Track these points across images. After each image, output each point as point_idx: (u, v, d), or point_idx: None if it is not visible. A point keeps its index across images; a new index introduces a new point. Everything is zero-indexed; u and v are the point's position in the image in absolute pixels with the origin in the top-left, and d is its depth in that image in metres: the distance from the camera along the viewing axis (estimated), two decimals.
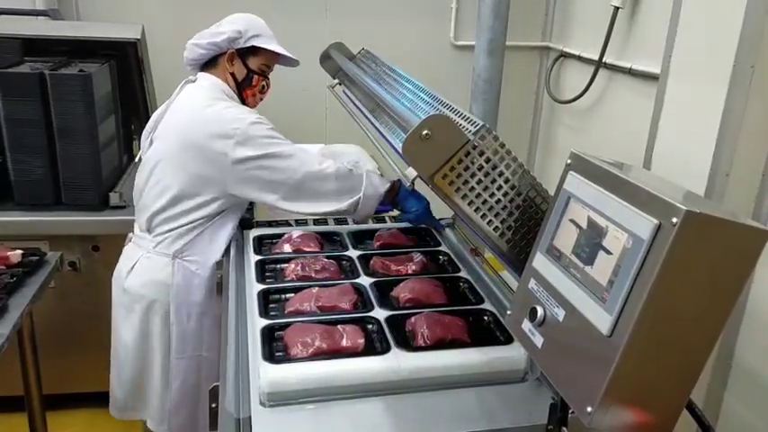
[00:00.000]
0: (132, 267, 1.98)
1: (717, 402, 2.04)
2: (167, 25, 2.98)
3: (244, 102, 2.05)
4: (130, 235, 2.11)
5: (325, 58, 2.03)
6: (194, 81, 2.03)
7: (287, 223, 2.20)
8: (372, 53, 2.00)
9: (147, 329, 1.99)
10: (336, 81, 2.05)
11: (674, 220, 0.83)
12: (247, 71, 2.03)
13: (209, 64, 2.03)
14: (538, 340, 1.05)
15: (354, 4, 3.32)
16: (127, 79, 2.77)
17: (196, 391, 1.99)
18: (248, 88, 2.05)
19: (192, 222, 1.93)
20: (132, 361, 2.02)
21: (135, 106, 2.86)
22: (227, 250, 1.96)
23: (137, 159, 2.15)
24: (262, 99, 2.11)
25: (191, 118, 1.91)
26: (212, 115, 1.87)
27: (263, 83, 2.07)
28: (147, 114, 2.77)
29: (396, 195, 1.99)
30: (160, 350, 1.99)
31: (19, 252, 2.09)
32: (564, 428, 1.18)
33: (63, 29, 2.77)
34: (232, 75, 2.01)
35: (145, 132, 2.09)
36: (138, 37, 2.61)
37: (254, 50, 2.00)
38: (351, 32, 2.92)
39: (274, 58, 2.05)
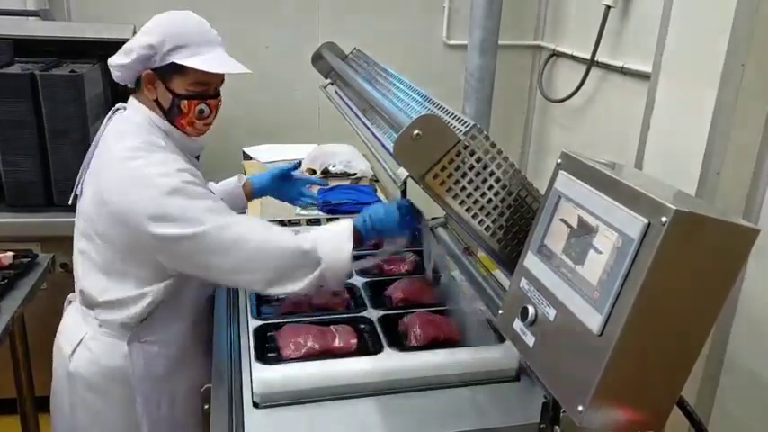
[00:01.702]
0: (76, 347, 1.59)
1: (709, 399, 2.06)
2: None
3: (182, 131, 1.57)
4: (71, 296, 1.72)
5: (317, 58, 2.02)
6: (122, 110, 1.59)
7: (281, 223, 2.20)
8: (364, 53, 2.00)
9: (105, 423, 1.62)
10: (328, 81, 2.04)
11: (664, 219, 0.83)
12: (173, 96, 1.50)
13: (136, 85, 1.56)
14: (529, 339, 1.05)
15: (347, 4, 3.31)
16: None
17: None
18: (180, 117, 1.53)
19: (139, 297, 1.52)
20: None
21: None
22: (210, 298, 1.69)
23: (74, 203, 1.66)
24: (208, 125, 1.59)
25: (107, 173, 1.47)
26: (127, 173, 1.44)
27: (201, 106, 1.53)
28: None
29: (359, 234, 1.52)
30: None
31: (10, 254, 2.08)
32: (556, 427, 1.19)
33: (54, 29, 2.76)
34: (156, 102, 1.53)
35: (80, 173, 1.62)
36: (130, 37, 2.58)
37: (178, 68, 1.47)
38: (343, 32, 2.93)
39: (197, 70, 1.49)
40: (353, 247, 1.46)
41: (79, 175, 1.60)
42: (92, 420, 1.62)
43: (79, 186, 1.59)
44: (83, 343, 1.58)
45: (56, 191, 2.47)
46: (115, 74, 1.55)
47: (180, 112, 1.52)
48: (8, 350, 2.10)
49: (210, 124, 1.59)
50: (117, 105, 1.61)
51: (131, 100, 1.57)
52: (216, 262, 1.41)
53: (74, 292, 1.68)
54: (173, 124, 1.55)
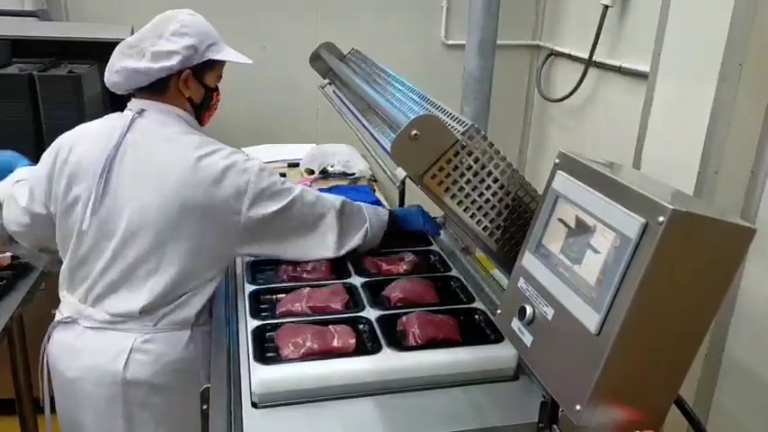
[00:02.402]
0: (128, 357, 1.55)
1: (707, 398, 2.06)
2: None
3: (201, 123, 1.71)
4: (60, 316, 1.64)
5: (316, 59, 2.03)
6: (141, 113, 1.59)
7: None
8: (362, 53, 2.00)
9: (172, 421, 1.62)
10: (327, 81, 2.04)
11: (661, 218, 0.84)
12: (206, 90, 1.64)
13: (150, 88, 1.58)
14: (527, 339, 1.05)
15: (345, 4, 3.32)
16: None
17: None
18: (208, 110, 1.68)
19: (203, 289, 1.61)
20: None
21: (125, 107, 2.84)
22: None
23: (77, 220, 1.58)
24: (213, 114, 1.74)
25: (181, 174, 1.50)
26: (211, 169, 1.51)
27: (219, 96, 1.71)
28: None
29: (395, 221, 1.82)
30: None
31: (8, 255, 2.07)
32: (555, 426, 1.19)
33: (52, 30, 2.76)
34: (189, 99, 1.62)
35: (63, 180, 1.57)
36: (127, 37, 2.59)
37: (211, 64, 1.61)
38: (341, 32, 2.92)
39: (223, 62, 1.65)
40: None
41: (97, 185, 1.52)
42: (156, 423, 1.61)
43: (98, 195, 1.52)
44: (134, 350, 1.55)
45: None
46: (135, 79, 1.55)
47: (209, 104, 1.67)
48: (6, 351, 2.11)
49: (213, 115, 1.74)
50: (131, 111, 1.59)
51: (148, 103, 1.59)
52: (297, 229, 1.62)
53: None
54: (199, 118, 1.67)
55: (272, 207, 1.56)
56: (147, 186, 1.51)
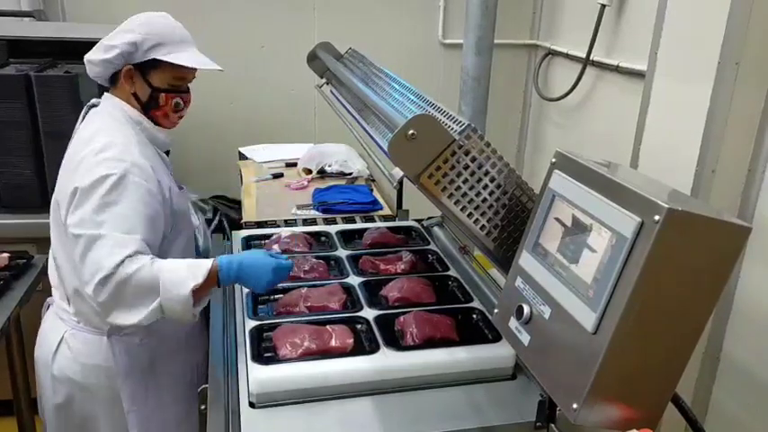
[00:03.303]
0: (57, 348, 1.61)
1: (705, 396, 2.06)
2: None
3: (156, 123, 1.67)
4: (50, 299, 1.74)
5: (313, 58, 2.02)
6: (96, 105, 1.68)
7: (275, 224, 2.20)
8: (360, 53, 2.00)
9: (88, 424, 1.66)
10: (324, 81, 2.04)
11: (656, 217, 0.84)
12: (151, 90, 1.63)
13: (113, 80, 1.64)
14: (524, 338, 1.05)
15: (342, 3, 3.31)
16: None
17: None
18: (155, 110, 1.65)
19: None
20: None
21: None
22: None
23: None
24: (181, 117, 1.70)
25: (69, 162, 1.58)
26: (75, 157, 1.55)
27: (176, 99, 1.65)
28: None
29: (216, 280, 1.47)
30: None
31: (6, 255, 2.08)
32: (552, 425, 1.19)
33: (49, 30, 2.76)
34: (134, 95, 1.63)
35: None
36: None
37: (157, 63, 1.60)
38: (339, 31, 2.93)
39: (187, 68, 1.62)
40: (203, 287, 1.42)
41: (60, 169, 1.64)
42: (81, 423, 1.65)
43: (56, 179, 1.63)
44: (63, 341, 1.61)
45: (51, 191, 2.45)
46: (93, 69, 1.63)
47: (157, 104, 1.65)
48: (4, 351, 2.10)
49: (183, 117, 1.71)
50: (92, 101, 1.70)
51: (106, 95, 1.67)
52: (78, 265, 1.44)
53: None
54: (148, 116, 1.66)
55: (69, 222, 1.46)
56: (63, 173, 1.60)
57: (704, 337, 2.01)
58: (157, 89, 1.63)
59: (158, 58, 1.59)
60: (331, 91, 1.96)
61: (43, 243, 2.43)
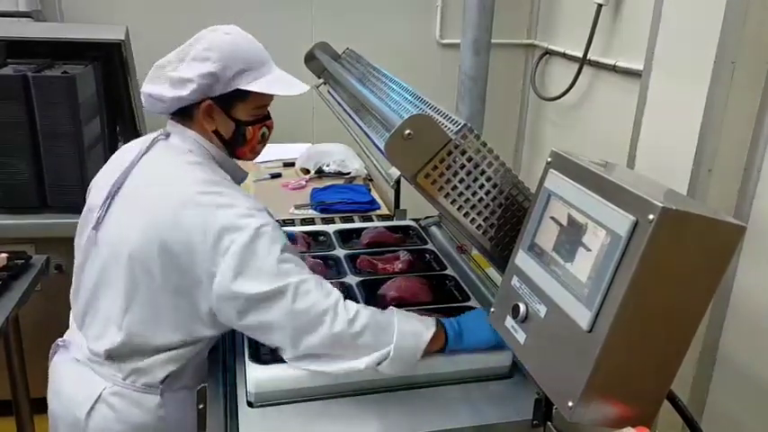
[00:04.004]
0: (93, 405, 1.38)
1: (702, 395, 2.07)
2: (151, 26, 2.97)
3: (238, 158, 1.48)
4: (60, 341, 1.51)
5: (310, 58, 2.03)
6: (167, 137, 1.42)
7: None
8: (357, 53, 2.00)
9: None
10: (321, 81, 2.05)
11: (651, 216, 0.84)
12: (236, 125, 1.40)
13: (179, 113, 1.41)
14: (520, 336, 1.06)
15: (340, 4, 3.32)
16: (111, 81, 2.76)
17: None
18: (243, 146, 1.44)
19: (174, 348, 1.37)
20: None
21: (120, 108, 2.85)
22: None
23: (79, 238, 1.48)
24: (264, 146, 1.50)
25: (165, 212, 1.29)
26: (197, 213, 1.27)
27: (263, 130, 1.45)
28: (133, 116, 2.75)
29: (444, 343, 1.34)
30: None
31: (4, 255, 2.08)
32: (549, 423, 1.20)
33: (46, 30, 2.76)
34: (216, 132, 1.41)
35: (107, 197, 1.39)
36: (123, 38, 2.60)
37: (242, 94, 1.37)
38: (336, 31, 2.93)
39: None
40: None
41: (105, 198, 1.39)
42: None
43: (103, 211, 1.38)
44: (101, 400, 1.38)
45: (49, 192, 2.47)
46: (157, 105, 1.39)
47: (244, 140, 1.43)
48: (3, 352, 2.10)
49: (266, 144, 1.51)
50: (157, 134, 1.44)
51: (178, 128, 1.41)
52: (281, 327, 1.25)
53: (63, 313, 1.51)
54: (233, 154, 1.45)
55: (249, 287, 1.23)
56: (137, 215, 1.33)
57: (701, 335, 2.02)
58: (244, 123, 1.40)
59: (244, 88, 1.35)
60: (329, 91, 1.97)
61: (42, 243, 2.45)
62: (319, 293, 1.26)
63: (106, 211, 1.38)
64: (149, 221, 1.30)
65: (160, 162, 1.40)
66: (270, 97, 1.43)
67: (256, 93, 1.37)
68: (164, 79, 1.37)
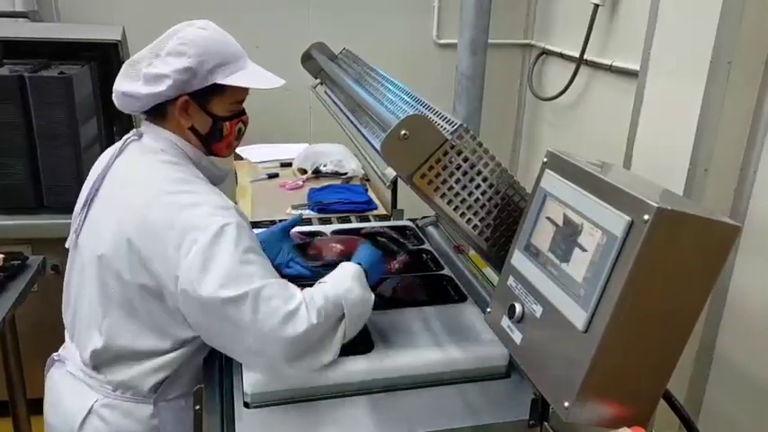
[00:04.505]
0: (85, 419, 1.37)
1: (699, 394, 2.07)
2: (147, 26, 2.95)
3: (214, 155, 1.46)
4: (56, 355, 1.50)
5: (307, 59, 2.03)
6: (140, 137, 1.40)
7: (271, 223, 2.20)
8: (354, 53, 2.00)
9: None
10: (318, 81, 2.05)
11: (646, 217, 0.85)
12: (213, 120, 1.38)
13: (152, 111, 1.38)
14: (517, 337, 1.06)
15: (337, 4, 3.32)
16: (108, 81, 2.75)
17: None
18: (220, 141, 1.42)
19: (159, 355, 1.35)
20: None
21: (117, 108, 2.84)
22: None
23: (66, 244, 1.45)
24: (240, 141, 1.48)
25: (136, 212, 1.27)
26: (163, 212, 1.26)
27: (239, 125, 1.43)
28: (130, 116, 2.74)
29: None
30: None
31: (0, 256, 2.07)
32: (545, 423, 1.20)
33: (43, 31, 2.76)
34: (192, 129, 1.38)
35: (82, 206, 1.41)
36: (119, 38, 2.59)
37: (218, 89, 1.35)
38: (333, 31, 2.92)
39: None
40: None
41: (79, 208, 1.40)
42: None
43: (82, 216, 1.38)
44: (93, 412, 1.37)
45: (46, 193, 2.46)
46: (131, 104, 1.37)
47: (221, 135, 1.41)
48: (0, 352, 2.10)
49: (241, 139, 1.48)
50: (130, 134, 1.43)
51: (151, 128, 1.40)
52: (246, 332, 1.22)
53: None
54: (210, 151, 1.43)
55: (210, 291, 1.19)
56: (108, 217, 1.32)
57: (697, 335, 2.02)
58: (221, 118, 1.38)
59: (221, 82, 1.33)
60: (325, 91, 1.97)
61: (38, 244, 2.44)
62: (280, 298, 1.23)
63: (85, 217, 1.38)
64: (118, 222, 1.29)
65: (132, 162, 1.39)
66: (246, 92, 1.42)
67: (233, 87, 1.35)
68: (137, 76, 1.34)
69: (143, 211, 1.27)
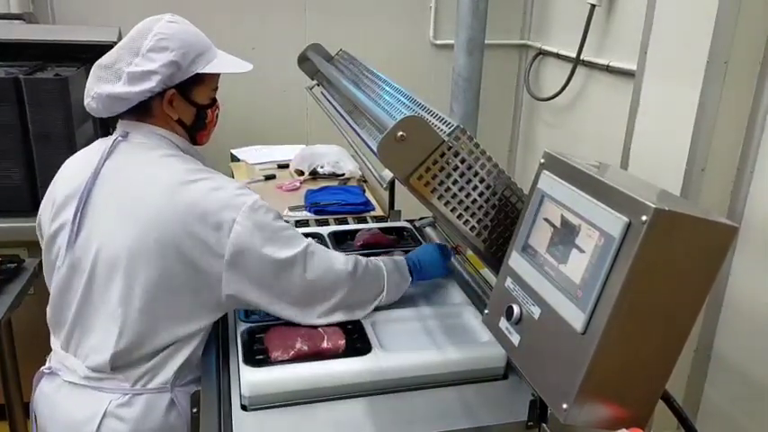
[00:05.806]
0: (100, 423, 1.35)
1: (697, 394, 2.07)
2: None
3: (196, 143, 1.51)
4: (49, 368, 1.45)
5: (303, 60, 2.02)
6: (125, 137, 1.41)
7: None
8: (350, 54, 2.00)
9: None
10: (315, 82, 2.04)
11: (644, 217, 0.84)
12: (197, 109, 1.44)
13: (135, 110, 1.40)
14: (514, 338, 1.06)
15: (333, 4, 3.32)
16: None
17: None
18: (203, 129, 1.48)
19: (179, 341, 1.38)
20: None
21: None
22: None
23: (53, 255, 1.43)
24: (214, 128, 1.54)
25: (158, 202, 1.31)
26: (191, 198, 1.30)
27: (217, 111, 1.50)
28: None
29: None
30: None
31: None
32: (544, 425, 1.20)
33: (38, 32, 2.75)
34: (179, 121, 1.43)
35: (48, 210, 1.44)
36: (115, 39, 2.58)
37: (198, 78, 1.40)
38: (330, 33, 2.93)
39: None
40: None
41: (74, 214, 1.36)
42: None
43: (74, 227, 1.35)
44: (108, 415, 1.35)
45: (41, 195, 2.44)
46: (116, 105, 1.38)
47: (204, 123, 1.47)
48: None
49: (215, 127, 1.55)
50: (115, 136, 1.42)
51: (137, 125, 1.41)
52: (298, 284, 1.38)
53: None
54: (194, 140, 1.49)
55: (273, 252, 1.33)
56: (120, 217, 1.33)
57: (695, 335, 2.02)
58: (202, 106, 1.45)
59: (202, 71, 1.39)
60: (322, 93, 1.96)
61: (34, 247, 2.42)
62: (324, 252, 1.44)
63: (78, 227, 1.35)
64: (138, 218, 1.31)
65: (132, 162, 1.39)
66: (219, 78, 1.48)
67: (211, 75, 1.43)
68: (116, 77, 1.36)
69: (169, 202, 1.31)
